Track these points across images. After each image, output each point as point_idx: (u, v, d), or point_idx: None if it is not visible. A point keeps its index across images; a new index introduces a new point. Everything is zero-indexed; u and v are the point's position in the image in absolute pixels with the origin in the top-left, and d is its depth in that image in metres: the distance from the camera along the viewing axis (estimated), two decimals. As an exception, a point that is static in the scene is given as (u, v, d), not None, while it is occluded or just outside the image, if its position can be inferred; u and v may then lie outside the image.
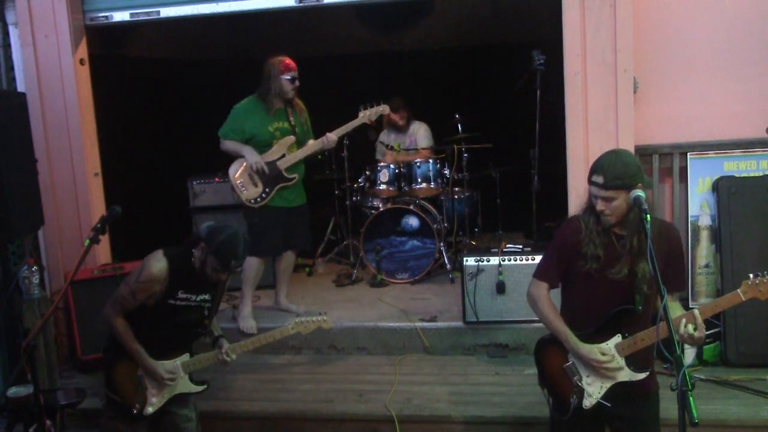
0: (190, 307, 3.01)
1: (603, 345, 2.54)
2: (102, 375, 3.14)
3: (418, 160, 5.63)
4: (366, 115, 4.56)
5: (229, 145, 4.47)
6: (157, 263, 2.90)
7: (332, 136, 4.48)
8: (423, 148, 5.94)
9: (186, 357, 3.09)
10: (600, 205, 2.47)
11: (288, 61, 4.45)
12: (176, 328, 3.02)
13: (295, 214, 4.58)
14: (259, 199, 4.43)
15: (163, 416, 3.10)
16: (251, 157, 4.39)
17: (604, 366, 2.51)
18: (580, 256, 2.53)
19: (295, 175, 4.49)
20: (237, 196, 4.47)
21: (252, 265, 4.53)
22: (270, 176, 4.43)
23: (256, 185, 4.43)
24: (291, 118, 4.51)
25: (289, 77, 4.42)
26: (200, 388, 3.16)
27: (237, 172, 4.45)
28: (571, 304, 2.67)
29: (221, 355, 3.10)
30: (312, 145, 4.51)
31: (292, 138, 4.48)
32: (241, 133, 4.43)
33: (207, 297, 3.06)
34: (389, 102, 6.07)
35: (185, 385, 3.11)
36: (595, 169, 2.49)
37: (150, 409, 3.02)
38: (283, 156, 4.46)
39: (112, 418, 3.07)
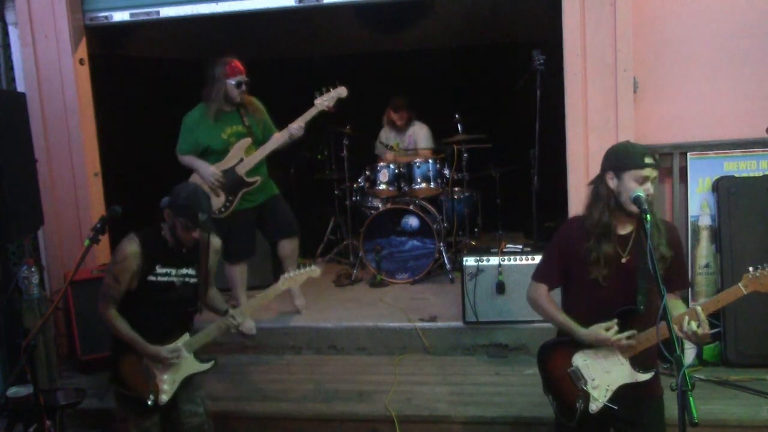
0: (173, 283, 3.02)
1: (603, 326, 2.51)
2: (104, 374, 3.14)
3: (418, 160, 5.64)
4: (322, 102, 4.25)
5: (184, 160, 4.34)
6: (129, 242, 2.96)
7: (294, 126, 4.22)
8: (423, 149, 5.94)
9: (186, 337, 3.09)
10: (647, 188, 2.42)
11: (235, 63, 4.23)
12: (168, 308, 3.02)
13: (266, 209, 4.43)
14: (223, 209, 4.29)
15: (172, 412, 3.09)
16: (205, 171, 4.24)
17: (612, 339, 2.45)
18: (580, 259, 2.51)
19: (257, 178, 4.31)
20: None
21: (233, 270, 4.48)
22: (230, 184, 4.27)
23: (218, 195, 4.27)
24: (245, 119, 4.30)
25: (234, 82, 4.20)
26: (208, 365, 3.13)
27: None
28: (573, 306, 2.64)
29: (228, 319, 3.10)
30: (272, 143, 4.27)
31: (248, 140, 4.28)
32: (195, 146, 4.28)
33: (189, 272, 3.06)
34: (392, 100, 6.10)
35: (192, 365, 3.09)
36: (637, 154, 2.44)
37: (164, 397, 3.00)
38: (241, 160, 4.27)
39: (124, 419, 3.04)
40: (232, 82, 4.21)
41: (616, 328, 2.48)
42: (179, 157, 4.38)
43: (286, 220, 4.54)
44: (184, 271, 3.05)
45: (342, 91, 4.28)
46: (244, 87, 4.26)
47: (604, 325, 2.49)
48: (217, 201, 4.27)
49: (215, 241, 3.18)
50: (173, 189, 3.00)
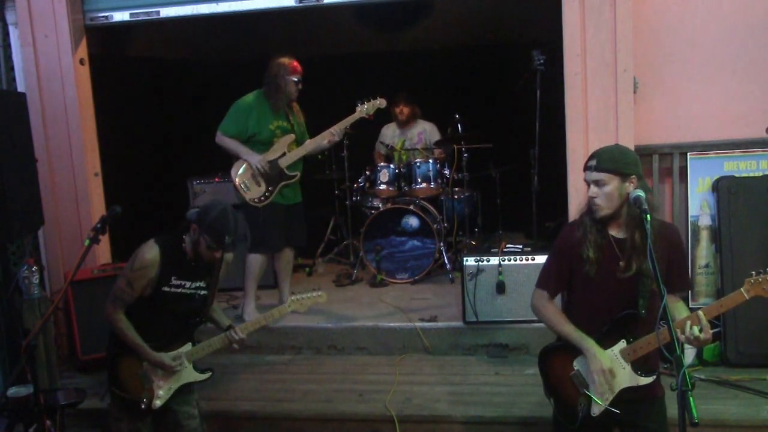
0: (185, 294, 3.02)
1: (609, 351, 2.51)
2: (104, 374, 3.14)
3: (418, 160, 5.64)
4: (363, 110, 4.59)
5: (227, 142, 4.48)
6: (150, 250, 2.95)
7: (336, 129, 4.51)
8: (436, 143, 5.94)
9: (188, 347, 3.10)
10: (591, 191, 2.46)
11: (296, 63, 4.52)
12: (174, 318, 3.03)
13: (292, 212, 4.63)
14: (262, 198, 4.48)
15: (166, 414, 3.10)
16: (252, 158, 4.44)
17: (605, 378, 2.46)
18: (581, 261, 2.51)
19: (297, 173, 4.55)
20: (240, 196, 4.49)
21: (256, 260, 4.57)
22: (272, 175, 4.47)
23: (258, 185, 4.48)
24: (290, 117, 4.57)
25: (296, 79, 4.49)
26: (205, 376, 3.17)
27: (239, 172, 4.50)
28: (574, 310, 2.63)
29: (232, 333, 3.12)
30: (312, 141, 4.55)
31: (292, 136, 4.54)
32: (244, 130, 4.46)
33: (201, 284, 3.07)
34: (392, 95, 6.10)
35: (190, 374, 3.11)
36: (591, 156, 2.50)
37: (158, 402, 3.02)
38: (284, 154, 4.50)
39: (117, 418, 3.06)
40: (294, 79, 4.48)
41: (621, 363, 2.49)
42: (221, 137, 4.49)
43: (299, 230, 4.72)
44: (197, 284, 3.07)
45: (382, 102, 4.65)
46: (300, 86, 4.53)
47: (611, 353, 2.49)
48: (258, 190, 4.48)
49: (227, 255, 3.17)
50: (203, 205, 3.01)
